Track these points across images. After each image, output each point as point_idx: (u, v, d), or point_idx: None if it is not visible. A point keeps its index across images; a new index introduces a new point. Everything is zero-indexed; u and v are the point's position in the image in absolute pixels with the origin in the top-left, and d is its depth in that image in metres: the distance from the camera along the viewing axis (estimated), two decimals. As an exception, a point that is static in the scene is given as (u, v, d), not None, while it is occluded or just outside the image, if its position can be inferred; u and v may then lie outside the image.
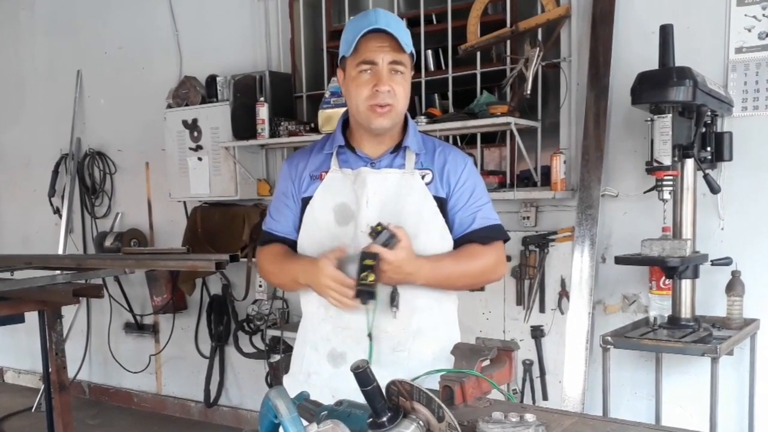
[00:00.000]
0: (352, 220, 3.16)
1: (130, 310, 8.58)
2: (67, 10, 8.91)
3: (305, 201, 3.27)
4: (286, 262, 3.27)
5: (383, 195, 3.15)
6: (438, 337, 3.23)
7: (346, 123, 3.33)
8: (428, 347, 3.20)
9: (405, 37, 3.07)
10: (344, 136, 3.30)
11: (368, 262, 2.84)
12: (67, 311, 7.75)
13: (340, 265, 2.99)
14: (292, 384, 3.32)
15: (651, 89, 4.57)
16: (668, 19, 4.84)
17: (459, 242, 3.20)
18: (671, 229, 4.85)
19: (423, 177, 3.18)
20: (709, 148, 4.94)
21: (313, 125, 6.51)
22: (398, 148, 3.23)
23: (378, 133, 3.18)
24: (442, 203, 3.18)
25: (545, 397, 6.00)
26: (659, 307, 5.08)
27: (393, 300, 3.11)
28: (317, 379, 3.25)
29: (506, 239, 3.32)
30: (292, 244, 3.34)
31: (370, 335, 3.13)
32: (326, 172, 3.26)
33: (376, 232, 2.88)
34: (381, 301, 3.08)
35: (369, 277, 2.83)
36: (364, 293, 2.84)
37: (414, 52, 3.18)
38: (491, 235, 3.23)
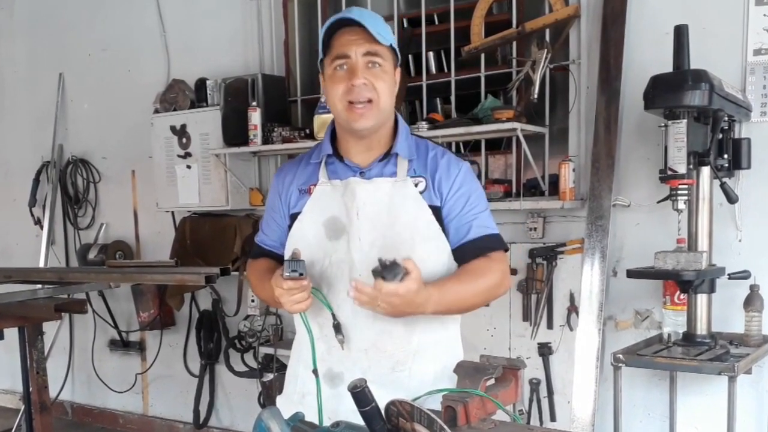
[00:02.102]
0: (344, 233, 3.15)
1: (115, 327, 8.56)
2: (49, 10, 8.92)
3: (294, 217, 3.28)
4: (266, 279, 3.24)
5: (375, 206, 3.13)
6: (440, 356, 3.23)
7: (335, 131, 3.33)
8: (429, 366, 3.20)
9: (380, 28, 3.06)
10: (333, 145, 3.30)
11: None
12: (49, 327, 7.72)
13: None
14: (287, 405, 3.30)
15: (665, 93, 4.59)
16: (683, 19, 4.85)
17: (454, 253, 3.18)
18: (686, 240, 4.86)
19: (417, 185, 3.16)
20: (726, 156, 4.95)
21: (308, 131, 6.52)
22: (388, 154, 3.22)
23: (362, 135, 3.17)
24: (437, 212, 3.15)
25: (553, 418, 5.99)
26: (673, 323, 5.07)
27: (338, 330, 3.12)
28: (313, 400, 3.24)
29: (505, 249, 3.28)
30: (279, 259, 3.34)
31: (315, 371, 3.11)
32: (315, 185, 3.26)
33: (383, 266, 2.81)
34: (320, 332, 3.15)
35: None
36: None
37: (396, 48, 3.16)
38: (489, 245, 3.18)
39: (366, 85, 3.04)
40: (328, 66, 3.12)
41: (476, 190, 3.25)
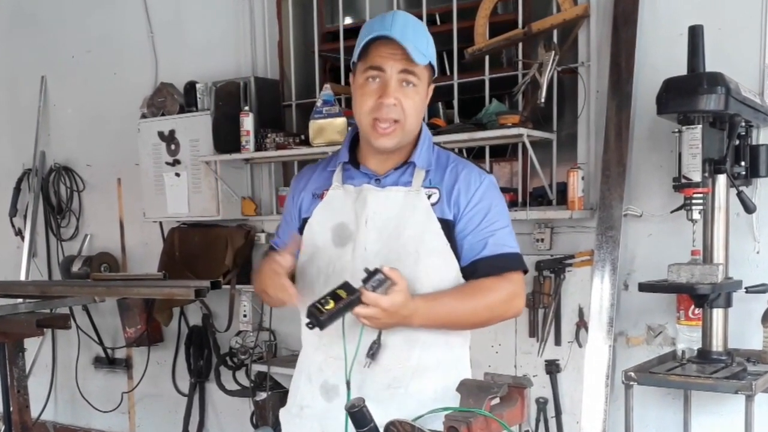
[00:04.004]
0: (350, 241, 3.19)
1: (100, 343, 8.55)
2: (30, 9, 8.92)
3: (305, 221, 3.33)
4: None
5: (384, 215, 3.16)
6: (442, 377, 3.23)
7: (356, 137, 3.34)
8: (429, 386, 3.21)
9: (422, 45, 3.06)
10: (352, 152, 3.32)
11: (340, 293, 2.81)
12: (30, 344, 7.72)
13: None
14: (286, 417, 3.44)
15: (679, 97, 4.58)
16: (698, 19, 4.86)
17: (466, 270, 3.18)
18: (701, 252, 4.85)
19: (429, 197, 3.18)
20: (743, 163, 4.95)
21: (303, 137, 6.50)
22: (406, 163, 3.23)
23: (383, 152, 3.19)
24: (448, 226, 3.16)
25: (561, 440, 6.00)
26: (688, 339, 5.08)
27: (370, 350, 3.12)
28: (309, 413, 3.28)
29: (524, 270, 3.29)
30: None
31: (348, 383, 3.08)
32: (328, 190, 3.30)
33: (369, 274, 2.83)
34: (362, 347, 3.08)
35: (327, 305, 2.77)
36: (313, 317, 2.78)
37: (434, 63, 3.16)
38: (503, 264, 3.18)
39: (395, 105, 3.05)
40: (360, 73, 3.13)
41: (497, 206, 3.25)
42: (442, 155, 3.31)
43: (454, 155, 3.35)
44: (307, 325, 2.79)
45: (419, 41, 3.05)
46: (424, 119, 3.32)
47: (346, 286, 2.83)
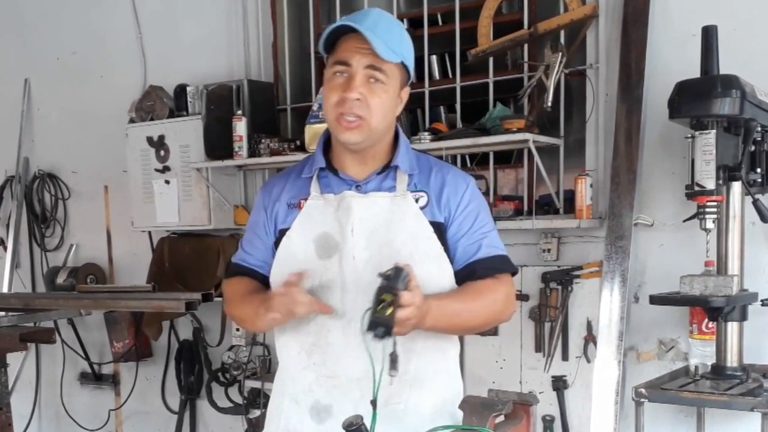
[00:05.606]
0: (336, 251, 3.17)
1: (87, 358, 8.53)
2: (13, 9, 8.92)
3: (283, 233, 3.30)
4: (249, 296, 3.30)
5: (371, 222, 3.16)
6: (438, 388, 3.24)
7: (328, 142, 3.35)
8: (427, 399, 3.21)
9: (394, 43, 3.07)
10: (327, 157, 3.32)
11: (386, 297, 2.75)
12: (13, 359, 7.70)
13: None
14: None
15: (692, 101, 4.58)
16: (711, 19, 4.85)
17: (461, 273, 3.21)
18: (715, 263, 4.84)
19: (417, 200, 3.20)
20: (759, 170, 4.93)
21: (298, 143, 6.50)
22: (387, 168, 3.24)
23: (352, 149, 3.20)
24: (440, 229, 3.19)
25: (569, 460, 5.99)
26: (701, 354, 5.06)
27: (393, 362, 3.04)
28: (299, 438, 3.26)
29: (514, 272, 3.33)
30: (262, 278, 3.36)
31: (374, 402, 2.92)
32: (305, 200, 3.28)
33: (387, 277, 2.78)
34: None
35: (386, 310, 2.72)
36: (382, 326, 2.70)
37: (407, 63, 3.15)
38: (497, 266, 3.24)
39: (360, 101, 3.06)
40: (329, 67, 3.16)
41: (485, 208, 3.31)
42: (422, 159, 3.34)
43: (433, 158, 3.40)
44: (375, 335, 2.72)
45: (390, 38, 3.06)
46: (400, 121, 3.32)
47: (385, 288, 2.78)
